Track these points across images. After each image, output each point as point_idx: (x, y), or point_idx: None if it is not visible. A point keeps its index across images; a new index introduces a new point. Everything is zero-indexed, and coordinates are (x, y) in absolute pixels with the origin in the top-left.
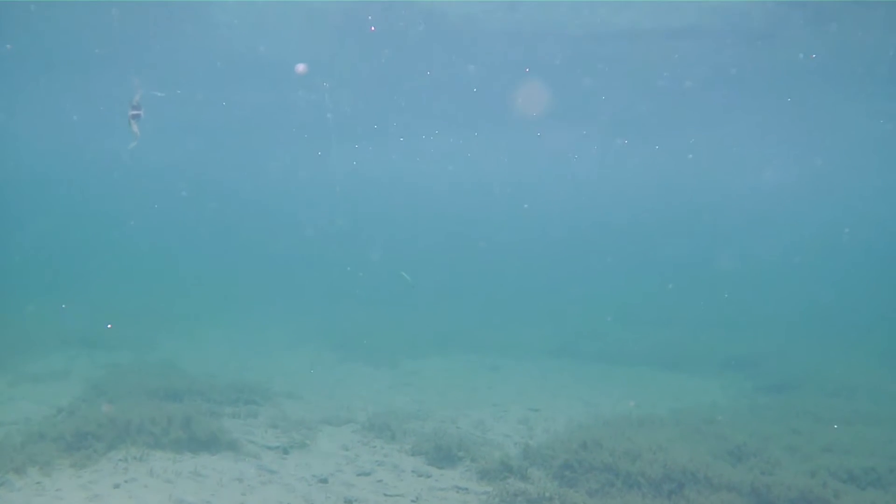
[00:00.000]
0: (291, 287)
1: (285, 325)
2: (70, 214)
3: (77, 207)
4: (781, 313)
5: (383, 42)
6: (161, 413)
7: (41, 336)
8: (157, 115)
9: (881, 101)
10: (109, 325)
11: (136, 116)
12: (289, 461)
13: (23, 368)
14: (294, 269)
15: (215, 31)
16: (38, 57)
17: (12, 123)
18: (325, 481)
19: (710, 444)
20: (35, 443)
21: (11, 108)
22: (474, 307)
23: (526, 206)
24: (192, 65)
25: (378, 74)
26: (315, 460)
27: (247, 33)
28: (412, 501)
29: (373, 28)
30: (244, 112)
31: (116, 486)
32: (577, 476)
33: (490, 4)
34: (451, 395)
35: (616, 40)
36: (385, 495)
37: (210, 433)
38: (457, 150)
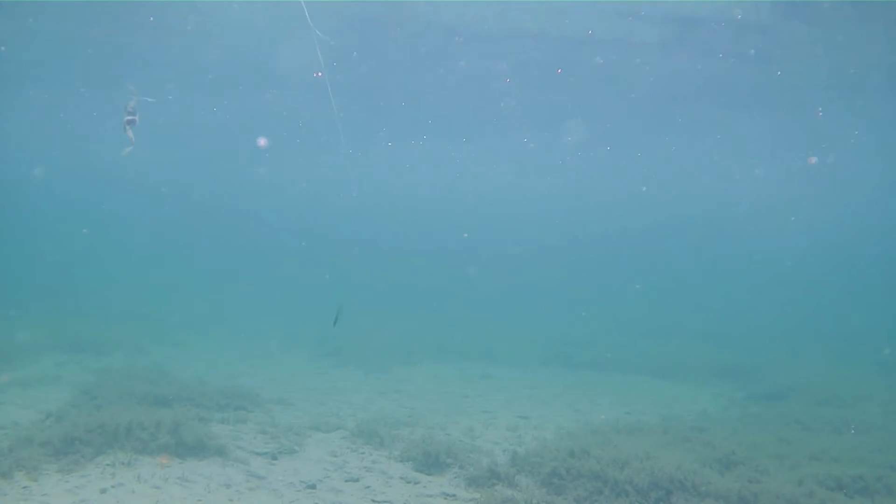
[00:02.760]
0: (284, 294)
1: (277, 332)
2: (61, 220)
3: (68, 213)
4: (773, 323)
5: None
6: (149, 418)
7: (31, 340)
8: (151, 122)
9: (874, 109)
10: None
11: (131, 122)
12: (277, 467)
13: (12, 373)
14: (286, 276)
15: (212, 32)
16: (28, 60)
17: (2, 128)
18: (313, 487)
19: (699, 452)
20: (22, 448)
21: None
22: (466, 315)
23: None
24: (186, 69)
25: (368, 78)
26: (303, 466)
27: (244, 36)
28: None
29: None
30: (235, 118)
31: (104, 492)
32: (565, 483)
33: (481, 6)
34: (442, 402)
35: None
36: (373, 501)
37: (198, 439)
38: (446, 157)
